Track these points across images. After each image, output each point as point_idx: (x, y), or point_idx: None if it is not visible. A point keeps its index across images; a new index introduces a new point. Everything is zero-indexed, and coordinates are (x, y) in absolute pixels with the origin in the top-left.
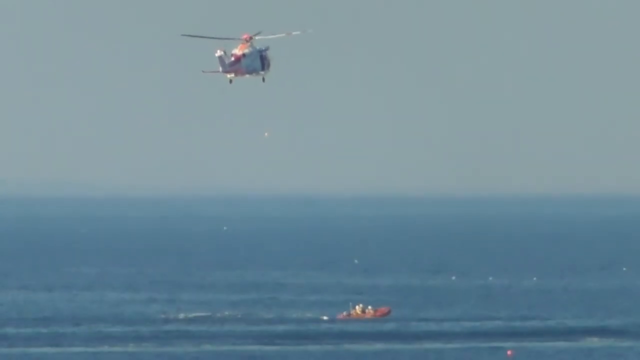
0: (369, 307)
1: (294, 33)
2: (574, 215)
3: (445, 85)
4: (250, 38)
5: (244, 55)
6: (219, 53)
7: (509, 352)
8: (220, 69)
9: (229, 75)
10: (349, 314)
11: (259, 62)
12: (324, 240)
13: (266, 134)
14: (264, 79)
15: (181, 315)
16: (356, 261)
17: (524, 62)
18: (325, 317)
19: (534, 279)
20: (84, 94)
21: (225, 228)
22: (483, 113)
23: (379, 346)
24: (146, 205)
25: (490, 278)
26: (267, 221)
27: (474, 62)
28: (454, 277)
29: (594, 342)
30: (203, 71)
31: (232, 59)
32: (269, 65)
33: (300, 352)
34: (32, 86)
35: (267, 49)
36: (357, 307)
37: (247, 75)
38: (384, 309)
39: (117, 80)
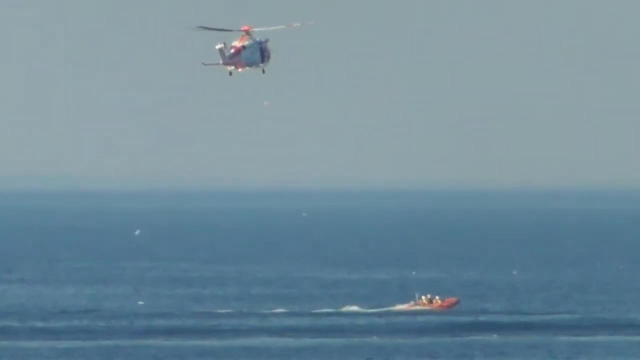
0: (436, 297)
1: (294, 25)
2: (562, 209)
3: (438, 77)
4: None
5: (243, 47)
6: (219, 46)
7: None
8: (221, 61)
9: (229, 68)
10: (415, 304)
11: (258, 54)
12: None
13: (266, 103)
14: (263, 71)
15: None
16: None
17: (521, 58)
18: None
19: (514, 272)
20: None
21: (137, 232)
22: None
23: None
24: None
25: (472, 272)
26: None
27: (474, 55)
28: (433, 273)
29: (566, 338)
30: (204, 63)
31: (232, 51)
32: (268, 57)
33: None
34: (25, 82)
35: (266, 41)
36: (423, 297)
37: (247, 68)
38: (452, 299)
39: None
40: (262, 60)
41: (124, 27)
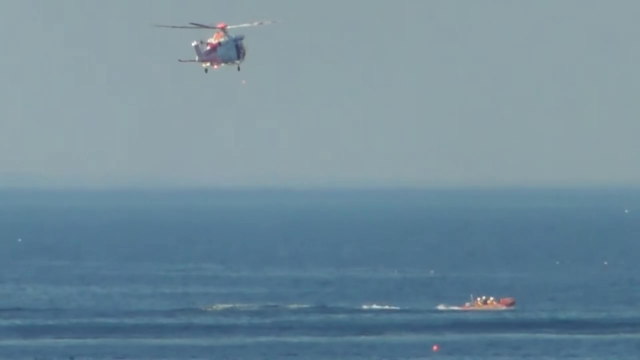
0: (491, 298)
1: (265, 23)
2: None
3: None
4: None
5: (219, 44)
6: (195, 43)
7: (435, 347)
8: (197, 58)
9: (204, 64)
10: (471, 305)
11: (234, 51)
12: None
13: (243, 82)
14: (239, 68)
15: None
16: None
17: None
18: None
19: (471, 270)
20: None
21: (19, 240)
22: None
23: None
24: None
25: (432, 271)
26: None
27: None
28: (396, 271)
29: (520, 335)
30: (180, 60)
31: (208, 48)
32: (244, 54)
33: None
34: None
35: (242, 38)
36: (478, 298)
37: (223, 64)
38: (507, 300)
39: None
40: (238, 57)
41: (119, 27)
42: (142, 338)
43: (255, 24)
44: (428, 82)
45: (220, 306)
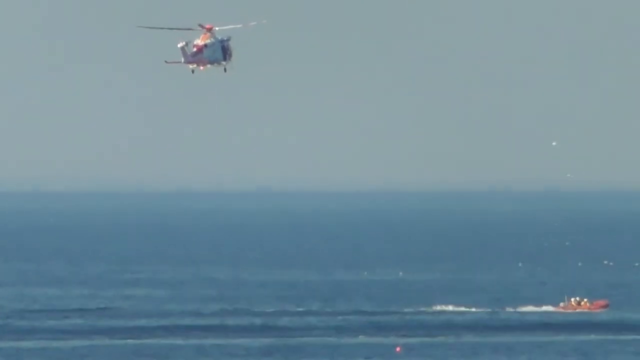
0: (585, 300)
1: (250, 24)
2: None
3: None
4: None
5: (205, 45)
6: (181, 44)
7: (397, 349)
8: (183, 59)
9: (191, 66)
10: (565, 306)
11: (220, 52)
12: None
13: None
14: (225, 69)
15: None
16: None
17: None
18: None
19: (438, 273)
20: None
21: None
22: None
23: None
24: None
25: (401, 273)
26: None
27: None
28: (365, 273)
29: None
30: (166, 62)
31: (194, 49)
32: (230, 56)
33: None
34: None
35: (228, 39)
36: (572, 299)
37: (209, 66)
38: (601, 302)
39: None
40: (224, 58)
41: (120, 25)
42: (109, 339)
43: (241, 25)
44: (428, 83)
45: (183, 307)
